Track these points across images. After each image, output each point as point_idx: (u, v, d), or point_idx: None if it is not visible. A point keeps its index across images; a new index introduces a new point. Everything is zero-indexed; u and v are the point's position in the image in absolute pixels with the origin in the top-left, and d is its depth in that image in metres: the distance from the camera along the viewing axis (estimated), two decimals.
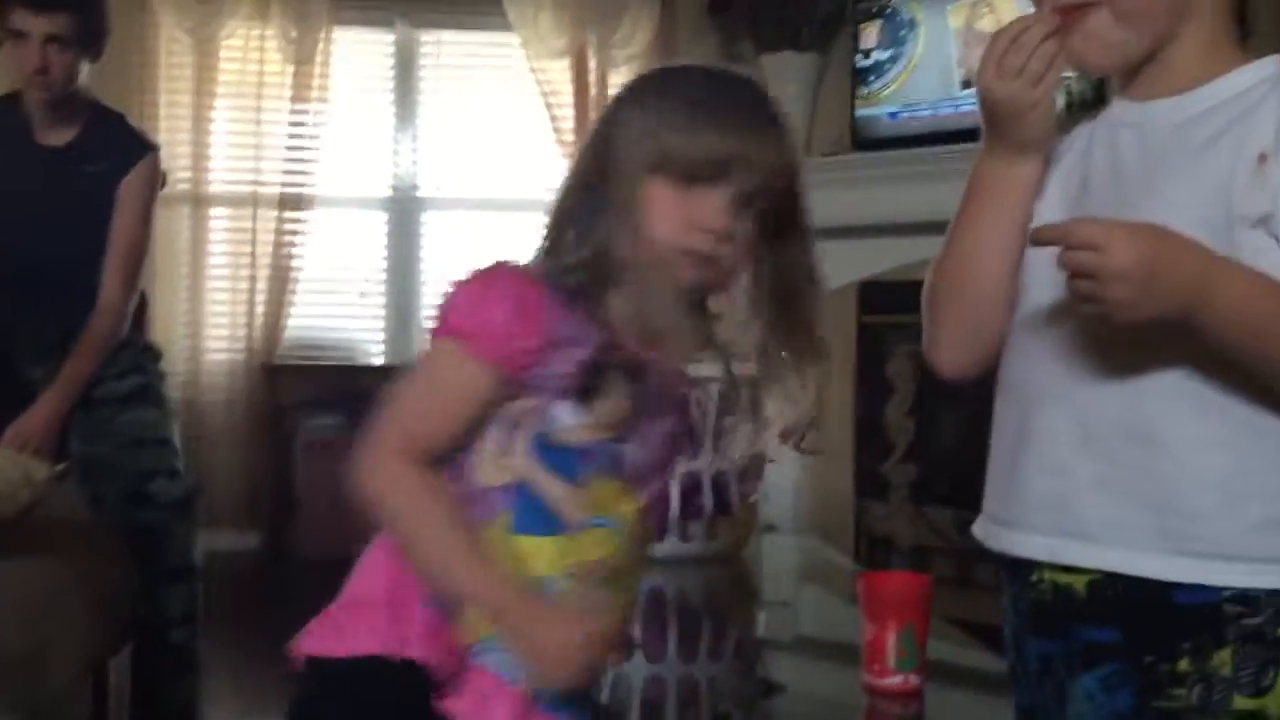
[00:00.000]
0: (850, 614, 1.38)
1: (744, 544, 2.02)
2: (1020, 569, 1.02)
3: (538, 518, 0.99)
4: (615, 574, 1.03)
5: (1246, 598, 0.93)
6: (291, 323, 4.30)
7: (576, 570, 1.00)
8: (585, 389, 1.00)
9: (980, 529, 1.05)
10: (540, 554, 0.99)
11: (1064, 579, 0.98)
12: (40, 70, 2.32)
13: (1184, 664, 0.94)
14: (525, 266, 1.03)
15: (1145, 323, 0.88)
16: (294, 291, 4.30)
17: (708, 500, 1.94)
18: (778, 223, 1.05)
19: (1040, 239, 0.92)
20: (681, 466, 1.91)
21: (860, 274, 4.17)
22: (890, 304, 4.12)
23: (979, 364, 1.09)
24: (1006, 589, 1.05)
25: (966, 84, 3.84)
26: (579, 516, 1.00)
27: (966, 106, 3.81)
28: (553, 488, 1.00)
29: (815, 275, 1.10)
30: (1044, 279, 0.98)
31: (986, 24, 3.73)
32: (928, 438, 4.06)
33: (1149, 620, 0.95)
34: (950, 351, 1.10)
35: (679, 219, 1.00)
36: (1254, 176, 0.92)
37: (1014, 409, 1.05)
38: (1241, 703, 0.93)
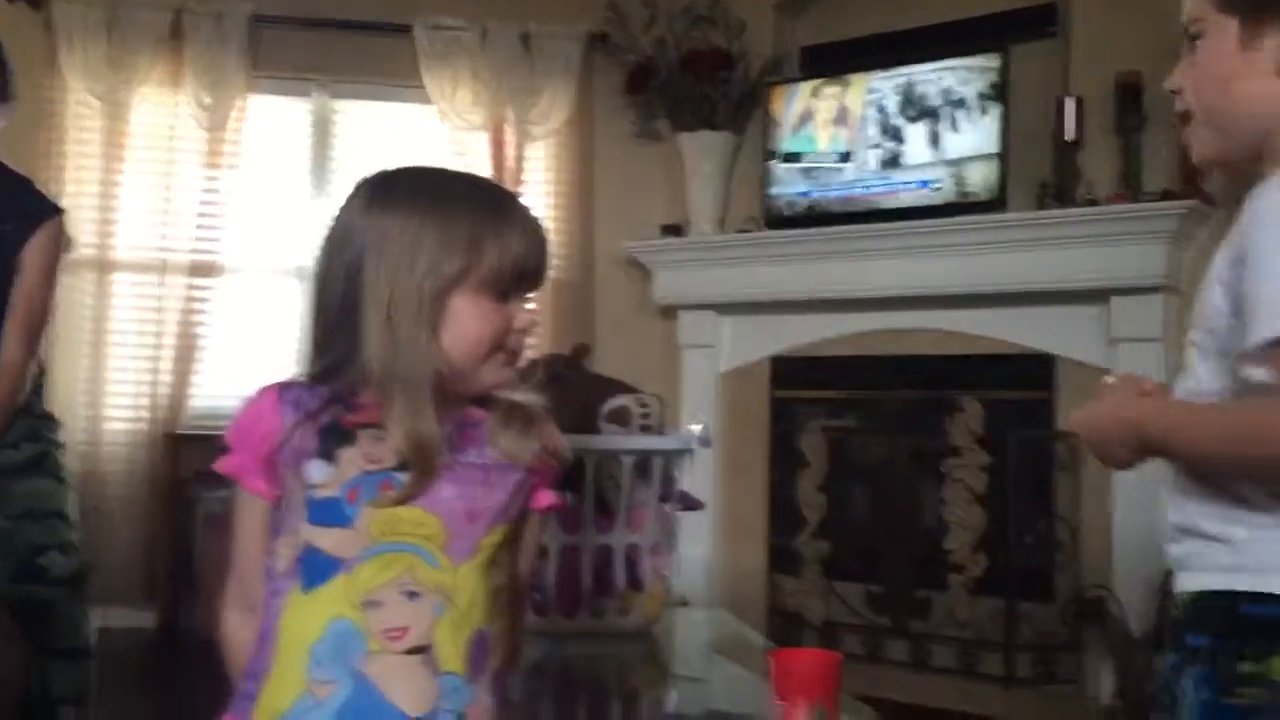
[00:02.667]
0: (762, 688, 1.37)
1: (656, 619, 2.00)
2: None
3: (320, 569, 1.04)
4: (432, 590, 1.04)
5: None
6: (197, 392, 4.21)
7: (369, 598, 1.03)
8: (328, 449, 1.06)
9: None
10: (332, 598, 1.03)
11: (1180, 600, 1.23)
12: None
13: (1247, 666, 1.13)
14: (284, 379, 1.11)
15: (1124, 465, 1.26)
16: (200, 360, 4.21)
17: (620, 575, 1.92)
18: None
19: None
20: (593, 540, 1.90)
21: (773, 349, 4.23)
22: (802, 379, 4.17)
23: None
24: None
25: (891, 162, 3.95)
26: (355, 551, 1.04)
27: (876, 188, 3.92)
28: (325, 538, 1.05)
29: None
30: None
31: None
32: (839, 513, 4.10)
33: (1223, 628, 1.16)
34: None
35: (496, 326, 1.09)
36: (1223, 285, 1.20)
37: None
38: None
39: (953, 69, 3.76)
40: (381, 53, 4.37)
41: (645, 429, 1.97)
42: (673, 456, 1.98)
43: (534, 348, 4.30)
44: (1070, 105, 3.52)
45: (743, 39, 4.28)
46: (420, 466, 1.05)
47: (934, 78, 3.80)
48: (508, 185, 4.41)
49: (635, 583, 1.94)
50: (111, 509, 4.00)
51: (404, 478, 1.05)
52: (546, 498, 1.15)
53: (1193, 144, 1.26)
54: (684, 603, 3.46)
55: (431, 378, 1.05)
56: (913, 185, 3.83)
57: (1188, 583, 1.21)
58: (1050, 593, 3.54)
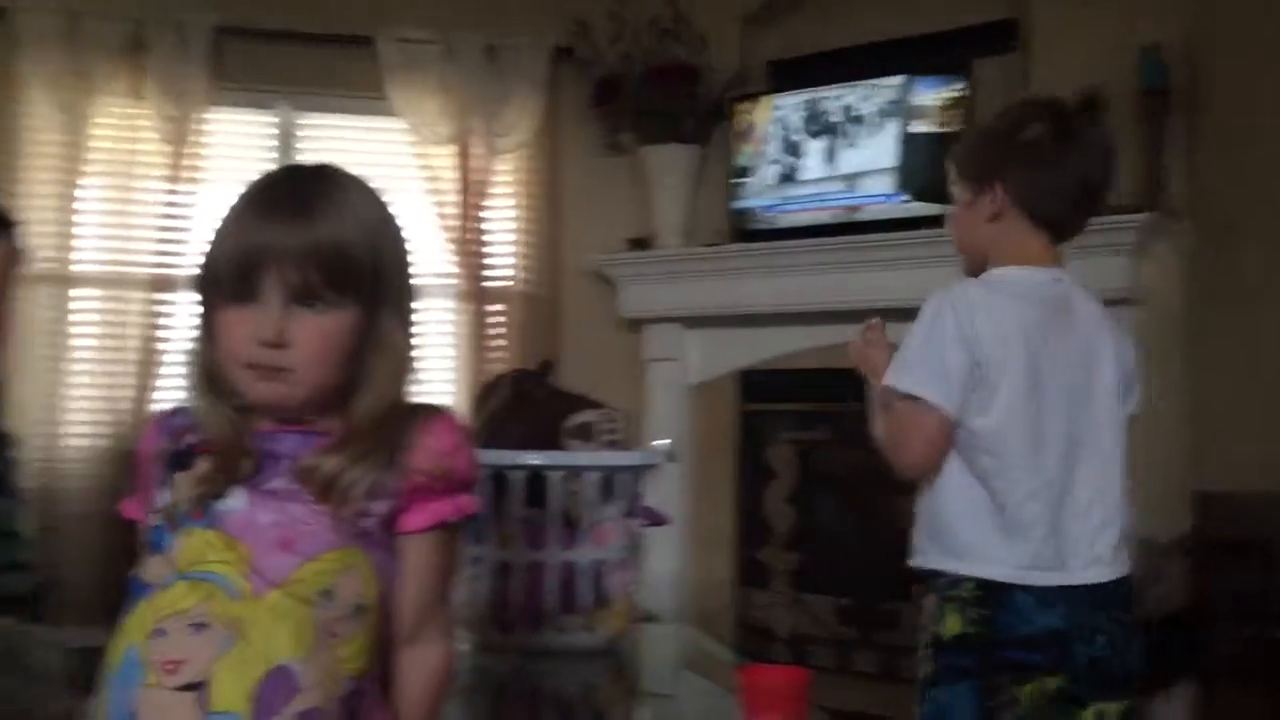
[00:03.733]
0: (731, 705, 1.36)
1: (623, 635, 1.99)
2: None
3: (135, 597, 1.02)
4: (223, 623, 0.97)
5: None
6: (157, 408, 4.15)
7: (163, 626, 0.98)
8: (168, 475, 1.04)
9: None
10: (133, 625, 1.00)
11: None
12: None
13: None
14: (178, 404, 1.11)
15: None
16: (161, 376, 4.16)
17: (585, 591, 1.90)
18: (366, 298, 1.04)
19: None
20: (558, 556, 1.88)
21: (741, 363, 4.23)
22: (771, 392, 4.17)
23: None
24: None
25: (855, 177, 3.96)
26: (162, 577, 1.01)
27: (840, 200, 3.93)
28: (150, 566, 1.03)
29: (385, 342, 1.05)
30: None
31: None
32: (808, 525, 4.10)
33: None
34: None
35: (239, 336, 1.02)
36: None
37: None
38: None
39: (912, 83, 3.79)
40: (346, 65, 4.35)
41: (611, 444, 1.96)
42: (639, 472, 1.97)
43: (500, 362, 4.30)
44: None
45: (708, 53, 4.28)
46: (220, 468, 1.02)
47: (895, 92, 3.82)
48: (472, 199, 4.40)
49: (601, 599, 1.93)
50: (69, 527, 3.93)
51: (220, 504, 1.01)
52: (420, 517, 1.05)
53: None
54: (651, 618, 3.45)
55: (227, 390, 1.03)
56: (879, 198, 3.85)
57: None
58: None
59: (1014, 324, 1.64)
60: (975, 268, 1.77)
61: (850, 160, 3.91)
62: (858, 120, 3.90)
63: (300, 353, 1.01)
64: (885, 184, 3.83)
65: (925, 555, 1.71)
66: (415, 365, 1.08)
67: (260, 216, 1.01)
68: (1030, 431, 1.63)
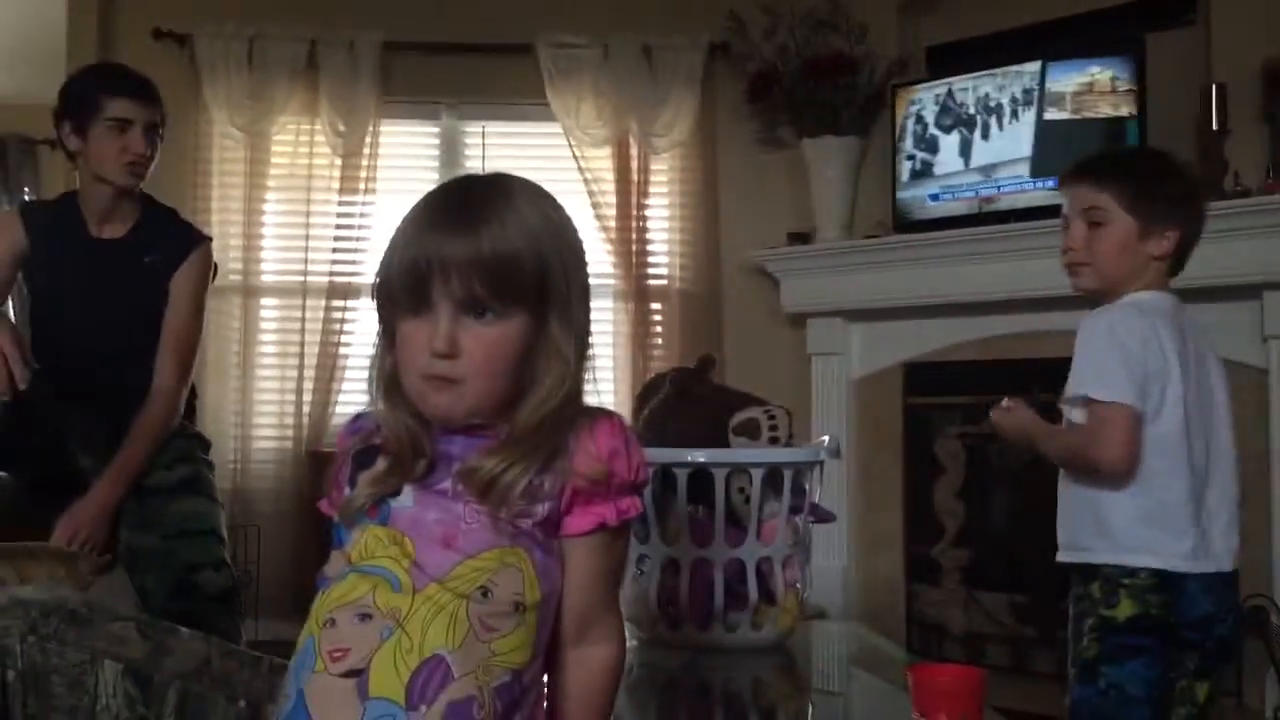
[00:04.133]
0: (902, 703, 1.35)
1: (790, 632, 1.98)
2: None
3: (321, 589, 1.06)
4: (385, 614, 1.00)
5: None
6: (339, 410, 4.34)
7: (334, 616, 1.02)
8: (354, 474, 1.09)
9: None
10: (314, 614, 1.04)
11: None
12: (140, 159, 2.42)
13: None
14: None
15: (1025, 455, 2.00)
16: (342, 379, 4.34)
17: (752, 588, 1.91)
18: (534, 307, 1.05)
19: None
20: (725, 554, 1.89)
21: (905, 355, 4.15)
22: (936, 384, 4.09)
23: None
24: None
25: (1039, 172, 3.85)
26: (339, 571, 1.05)
27: (1007, 188, 3.82)
28: (332, 561, 1.07)
29: (553, 349, 1.06)
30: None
31: None
32: (978, 520, 4.00)
33: None
34: None
35: (415, 346, 1.04)
36: None
37: None
38: None
39: (1086, 64, 3.65)
40: (507, 72, 4.45)
41: (774, 441, 1.96)
42: (803, 468, 1.96)
43: (661, 360, 4.33)
44: (1214, 93, 3.38)
45: (866, 41, 4.22)
46: (395, 468, 1.06)
47: (1064, 73, 3.69)
48: (634, 199, 4.44)
49: (768, 596, 1.93)
50: (261, 526, 4.15)
51: (393, 502, 1.05)
52: (581, 520, 1.06)
53: (1083, 285, 2.03)
54: (820, 615, 3.43)
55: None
56: (1044, 185, 3.73)
57: None
58: None
59: (1169, 341, 1.90)
60: (1105, 286, 1.97)
61: (1002, 149, 3.80)
62: (1022, 104, 3.78)
63: (468, 363, 1.03)
64: (1032, 171, 3.71)
65: (1092, 551, 1.90)
66: (586, 370, 1.09)
67: (430, 227, 1.04)
68: (1188, 437, 1.89)
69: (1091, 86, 3.63)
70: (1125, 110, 3.55)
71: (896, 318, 4.14)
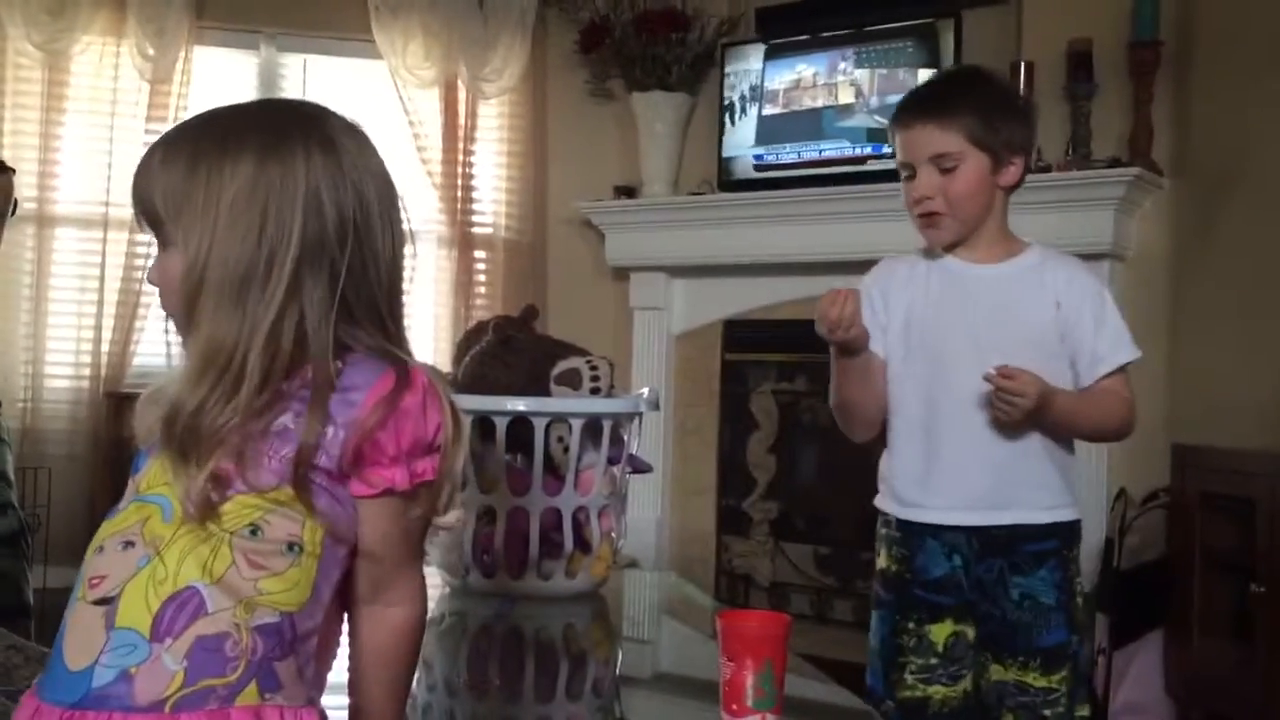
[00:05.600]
0: (710, 651, 1.37)
1: (604, 581, 2.01)
2: None
3: (107, 517, 1.04)
4: (147, 543, 0.98)
5: None
6: (140, 349, 4.14)
7: (103, 544, 1.00)
8: None
9: None
10: (93, 541, 1.02)
11: None
12: None
13: None
14: None
15: (1025, 419, 1.72)
16: (144, 318, 4.14)
17: (568, 537, 1.92)
18: None
19: (999, 375, 1.69)
20: (541, 502, 1.89)
21: (725, 312, 4.23)
22: (754, 342, 4.18)
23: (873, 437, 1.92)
24: None
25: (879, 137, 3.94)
26: (125, 499, 1.04)
27: (828, 150, 3.91)
28: (128, 488, 1.06)
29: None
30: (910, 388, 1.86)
31: None
32: (788, 474, 4.12)
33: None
34: (860, 438, 1.94)
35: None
36: (1055, 315, 1.78)
37: None
38: None
39: (903, 32, 3.76)
40: (331, 5, 4.29)
41: (595, 391, 1.96)
42: (622, 419, 1.97)
43: (484, 309, 4.29)
44: (1022, 71, 3.53)
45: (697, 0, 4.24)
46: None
47: (885, 41, 3.80)
48: (460, 144, 4.36)
49: (583, 545, 1.94)
50: (51, 468, 3.93)
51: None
52: (367, 484, 1.01)
53: (942, 236, 1.84)
54: (633, 564, 3.48)
55: None
56: (867, 149, 3.84)
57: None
58: None
59: None
60: (966, 233, 1.82)
61: (829, 110, 3.90)
62: (840, 69, 3.88)
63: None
64: (862, 135, 3.82)
65: (1073, 509, 1.83)
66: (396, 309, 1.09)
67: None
68: None
69: (909, 55, 3.74)
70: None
71: (718, 275, 4.20)
